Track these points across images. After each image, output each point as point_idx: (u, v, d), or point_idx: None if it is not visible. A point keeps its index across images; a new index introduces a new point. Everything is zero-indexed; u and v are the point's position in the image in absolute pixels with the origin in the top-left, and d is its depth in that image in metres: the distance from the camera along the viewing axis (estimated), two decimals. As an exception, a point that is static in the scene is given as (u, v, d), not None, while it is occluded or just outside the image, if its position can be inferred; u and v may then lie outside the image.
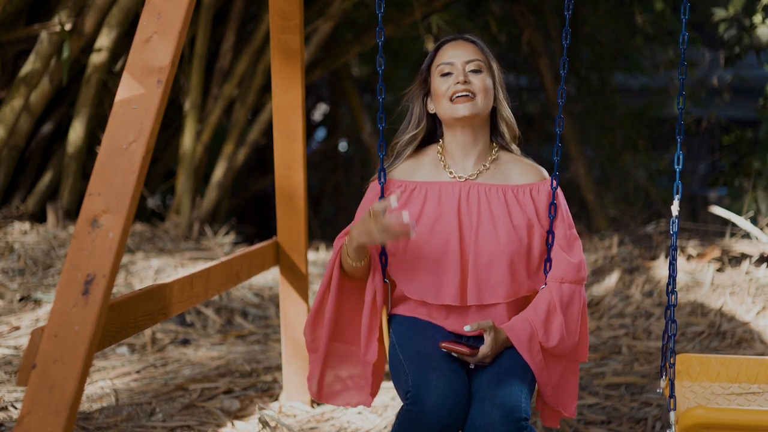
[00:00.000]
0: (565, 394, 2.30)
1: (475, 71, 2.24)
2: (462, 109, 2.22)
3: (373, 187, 2.33)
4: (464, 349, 2.14)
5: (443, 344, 2.15)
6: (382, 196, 2.29)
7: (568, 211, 2.32)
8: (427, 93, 2.33)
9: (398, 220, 2.07)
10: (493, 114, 2.33)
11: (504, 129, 2.33)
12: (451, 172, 2.29)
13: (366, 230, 2.14)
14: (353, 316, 2.36)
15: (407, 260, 2.26)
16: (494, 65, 2.30)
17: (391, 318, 2.35)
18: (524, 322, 2.22)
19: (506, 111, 2.32)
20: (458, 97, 2.22)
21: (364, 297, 2.32)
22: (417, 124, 2.35)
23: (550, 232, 2.28)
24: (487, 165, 2.29)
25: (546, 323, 2.22)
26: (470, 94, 2.22)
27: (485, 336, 2.17)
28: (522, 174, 2.30)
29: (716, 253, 5.21)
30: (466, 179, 2.27)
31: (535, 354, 2.20)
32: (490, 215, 2.24)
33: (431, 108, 2.32)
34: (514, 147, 2.35)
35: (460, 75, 2.22)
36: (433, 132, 2.37)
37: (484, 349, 2.16)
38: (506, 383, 2.09)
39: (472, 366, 2.19)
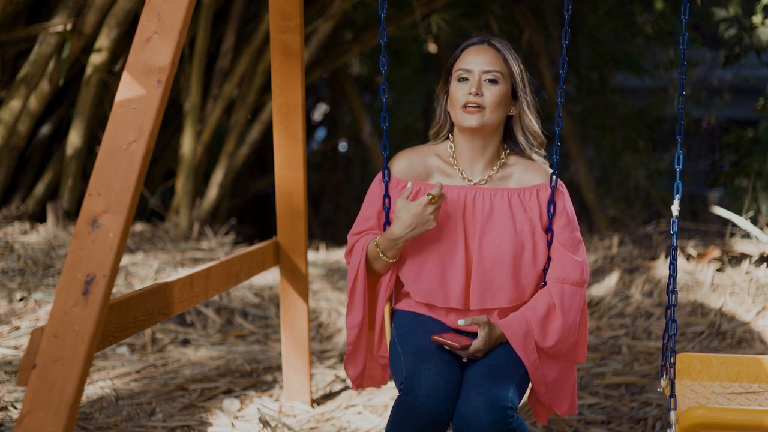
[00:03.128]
0: (560, 394, 2.31)
1: (492, 81, 2.25)
2: (469, 120, 2.24)
3: (381, 181, 2.35)
4: (454, 343, 2.17)
5: (435, 337, 2.19)
6: (386, 194, 2.32)
7: (574, 212, 2.32)
8: (447, 91, 2.35)
9: (440, 196, 2.18)
10: (511, 120, 2.33)
11: (521, 137, 2.33)
12: (462, 174, 2.31)
13: (423, 220, 2.19)
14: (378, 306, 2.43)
15: (415, 262, 2.29)
16: (516, 72, 2.29)
17: (393, 313, 2.39)
18: (521, 320, 2.23)
19: (527, 119, 2.32)
20: (468, 107, 2.23)
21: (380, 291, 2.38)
22: (438, 119, 2.40)
23: (550, 230, 2.29)
24: (496, 170, 2.31)
25: (543, 323, 2.23)
26: (480, 106, 2.23)
27: (479, 331, 2.21)
28: (528, 175, 2.31)
29: (716, 253, 5.21)
30: (474, 184, 2.30)
31: (530, 352, 2.22)
32: (493, 220, 2.26)
33: (448, 106, 2.34)
34: (534, 155, 2.35)
35: (474, 85, 2.24)
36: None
37: (477, 343, 2.19)
38: (495, 375, 2.13)
39: (464, 359, 2.22)
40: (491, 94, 2.24)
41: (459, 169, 2.31)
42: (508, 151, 2.34)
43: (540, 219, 2.27)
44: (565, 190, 2.31)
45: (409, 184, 2.27)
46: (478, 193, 2.28)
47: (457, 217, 2.26)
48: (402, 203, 2.21)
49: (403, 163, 2.33)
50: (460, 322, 2.22)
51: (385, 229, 2.34)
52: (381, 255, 2.28)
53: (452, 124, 2.36)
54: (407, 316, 2.34)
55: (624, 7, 8.14)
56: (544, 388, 2.27)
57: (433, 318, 2.33)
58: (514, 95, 2.30)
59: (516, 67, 2.30)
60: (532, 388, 2.31)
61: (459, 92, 2.26)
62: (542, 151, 2.37)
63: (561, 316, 2.23)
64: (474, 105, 2.23)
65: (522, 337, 2.21)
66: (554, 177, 2.29)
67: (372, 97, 10.32)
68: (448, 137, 2.38)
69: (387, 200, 2.32)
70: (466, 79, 2.26)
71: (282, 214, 3.14)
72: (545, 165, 2.35)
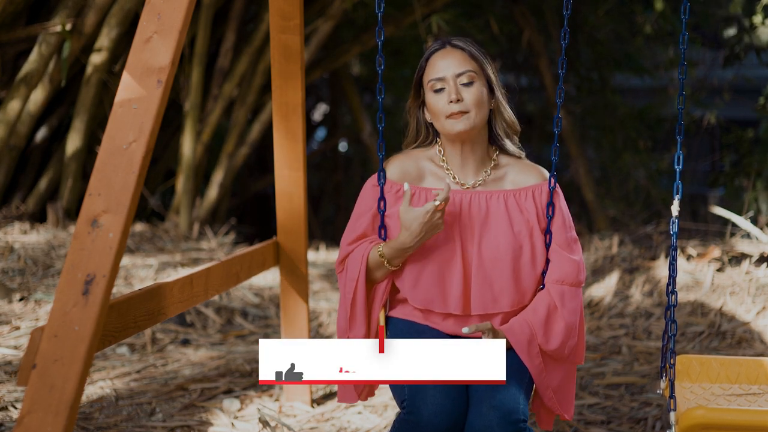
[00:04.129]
0: (566, 397, 2.28)
1: (467, 84, 2.21)
2: (457, 125, 2.20)
3: (374, 185, 2.32)
4: None
5: None
6: (382, 197, 2.27)
7: (569, 212, 2.31)
8: (422, 104, 2.31)
9: (444, 199, 2.13)
10: (491, 115, 2.31)
11: (502, 129, 2.31)
12: (454, 177, 2.27)
13: (432, 226, 2.14)
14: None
15: (412, 269, 2.25)
16: (488, 67, 2.26)
17: (388, 320, 2.34)
18: (523, 325, 2.20)
19: (505, 109, 2.30)
20: (453, 115, 2.20)
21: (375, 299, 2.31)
22: (417, 135, 2.35)
23: (548, 232, 2.27)
24: (488, 171, 2.28)
25: (546, 325, 2.20)
26: (464, 111, 2.20)
27: (483, 338, 2.15)
28: (523, 176, 2.28)
29: (716, 253, 5.21)
30: (467, 188, 2.26)
31: (534, 356, 2.19)
32: (490, 223, 2.22)
33: (428, 117, 2.30)
34: (513, 147, 2.33)
35: (452, 93, 2.19)
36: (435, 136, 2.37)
37: None
38: (504, 386, 2.08)
39: None
40: (471, 95, 2.20)
41: (451, 173, 2.28)
42: (498, 152, 2.31)
43: (537, 220, 2.25)
44: (559, 190, 2.28)
45: (406, 185, 2.20)
46: (473, 196, 2.25)
47: (453, 222, 2.22)
48: (405, 210, 2.16)
49: (396, 168, 2.29)
50: (465, 330, 2.14)
51: (380, 233, 2.28)
52: (386, 264, 2.22)
53: (435, 131, 2.33)
54: (403, 324, 2.29)
55: (624, 7, 8.14)
56: (551, 393, 2.23)
57: (430, 327, 2.27)
58: (489, 89, 2.27)
59: (485, 61, 2.26)
60: (537, 394, 2.28)
61: (439, 103, 2.22)
62: (516, 139, 2.34)
63: (561, 317, 2.20)
64: (458, 111, 2.19)
65: (526, 343, 2.18)
66: (552, 179, 2.27)
67: (372, 97, 10.32)
68: (435, 141, 2.34)
69: (382, 203, 2.26)
70: (442, 88, 2.22)
71: (282, 214, 3.14)
72: (541, 168, 2.33)
